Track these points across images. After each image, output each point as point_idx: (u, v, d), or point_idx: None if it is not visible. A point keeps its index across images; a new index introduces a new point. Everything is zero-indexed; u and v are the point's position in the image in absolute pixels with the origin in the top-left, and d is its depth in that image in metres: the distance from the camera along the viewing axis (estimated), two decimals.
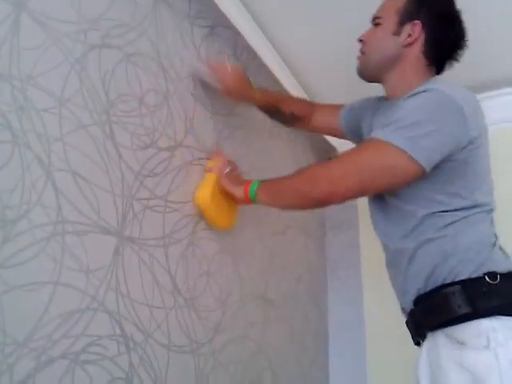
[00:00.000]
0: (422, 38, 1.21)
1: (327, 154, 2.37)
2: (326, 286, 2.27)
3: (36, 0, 0.96)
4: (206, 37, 1.57)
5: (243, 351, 1.50)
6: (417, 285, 1.14)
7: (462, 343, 1.03)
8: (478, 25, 1.59)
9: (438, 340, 1.09)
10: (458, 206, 1.11)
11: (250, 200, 1.28)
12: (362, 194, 1.18)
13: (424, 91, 1.10)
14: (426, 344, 1.14)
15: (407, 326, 1.22)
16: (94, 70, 1.10)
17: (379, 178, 1.10)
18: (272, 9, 1.69)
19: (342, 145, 2.35)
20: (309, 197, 1.15)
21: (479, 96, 1.25)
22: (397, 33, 1.22)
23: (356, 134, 1.47)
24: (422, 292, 1.13)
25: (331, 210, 2.28)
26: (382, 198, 1.23)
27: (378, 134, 1.11)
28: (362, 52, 1.30)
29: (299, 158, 2.17)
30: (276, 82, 1.91)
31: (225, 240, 1.49)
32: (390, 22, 1.23)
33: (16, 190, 0.87)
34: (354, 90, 2.07)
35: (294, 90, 2.02)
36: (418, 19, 1.20)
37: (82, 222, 0.99)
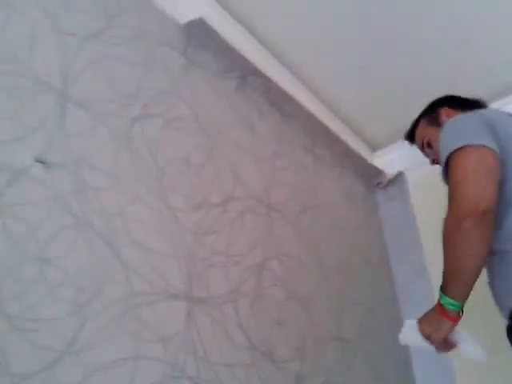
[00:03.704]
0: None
1: (375, 180, 2.33)
2: (399, 312, 2.18)
3: (78, 87, 1.01)
4: (238, 88, 1.59)
5: None
6: (509, 303, 1.07)
7: None
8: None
9: None
10: None
11: (452, 312, 1.08)
12: (486, 191, 1.02)
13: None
14: None
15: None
16: (140, 141, 1.13)
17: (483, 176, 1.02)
18: (298, 49, 1.72)
19: (389, 167, 2.32)
20: (464, 224, 1.00)
21: None
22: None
23: None
24: None
25: (391, 237, 2.24)
26: None
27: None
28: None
29: (348, 190, 2.14)
30: (316, 121, 1.90)
31: (290, 285, 1.46)
32: (432, 137, 1.42)
33: (85, 272, 0.88)
34: (386, 111, 2.09)
35: (333, 124, 2.02)
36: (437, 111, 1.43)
37: (151, 291, 1.00)
